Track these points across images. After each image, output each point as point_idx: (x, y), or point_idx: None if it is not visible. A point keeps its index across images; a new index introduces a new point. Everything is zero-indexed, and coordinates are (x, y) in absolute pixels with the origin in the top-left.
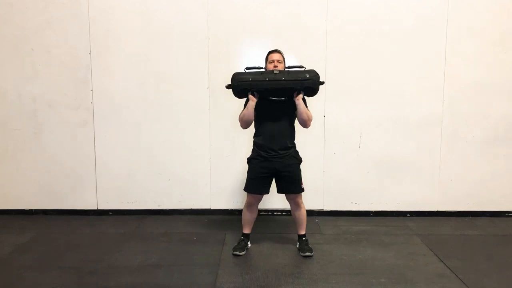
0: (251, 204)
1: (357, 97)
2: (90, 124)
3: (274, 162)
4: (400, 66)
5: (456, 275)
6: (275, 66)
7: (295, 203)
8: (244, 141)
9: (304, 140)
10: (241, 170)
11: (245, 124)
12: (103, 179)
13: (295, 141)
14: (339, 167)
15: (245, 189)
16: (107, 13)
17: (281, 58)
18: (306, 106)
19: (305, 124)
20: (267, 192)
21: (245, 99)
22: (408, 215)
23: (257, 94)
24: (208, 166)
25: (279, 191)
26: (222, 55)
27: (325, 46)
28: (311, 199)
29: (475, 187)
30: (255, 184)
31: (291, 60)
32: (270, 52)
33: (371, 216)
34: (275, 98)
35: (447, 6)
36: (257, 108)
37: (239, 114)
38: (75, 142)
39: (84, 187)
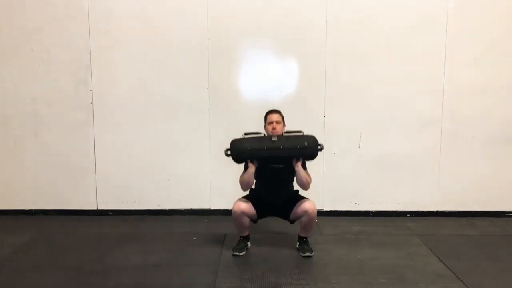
0: (238, 213)
1: (357, 97)
2: (90, 124)
3: (272, 204)
4: (400, 66)
5: (456, 275)
6: (273, 128)
7: (310, 212)
8: None
9: None
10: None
11: (245, 187)
12: (103, 179)
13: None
14: (339, 167)
15: (237, 200)
16: (107, 13)
17: (280, 119)
18: (306, 168)
19: (304, 187)
20: (259, 216)
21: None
22: (408, 215)
23: (256, 161)
24: (208, 166)
25: (290, 216)
26: (222, 55)
27: (325, 46)
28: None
29: (475, 187)
30: (249, 199)
31: (291, 60)
32: (268, 113)
33: (371, 216)
34: (274, 165)
35: (447, 6)
36: (256, 172)
37: (239, 177)
38: (75, 142)
39: (84, 187)
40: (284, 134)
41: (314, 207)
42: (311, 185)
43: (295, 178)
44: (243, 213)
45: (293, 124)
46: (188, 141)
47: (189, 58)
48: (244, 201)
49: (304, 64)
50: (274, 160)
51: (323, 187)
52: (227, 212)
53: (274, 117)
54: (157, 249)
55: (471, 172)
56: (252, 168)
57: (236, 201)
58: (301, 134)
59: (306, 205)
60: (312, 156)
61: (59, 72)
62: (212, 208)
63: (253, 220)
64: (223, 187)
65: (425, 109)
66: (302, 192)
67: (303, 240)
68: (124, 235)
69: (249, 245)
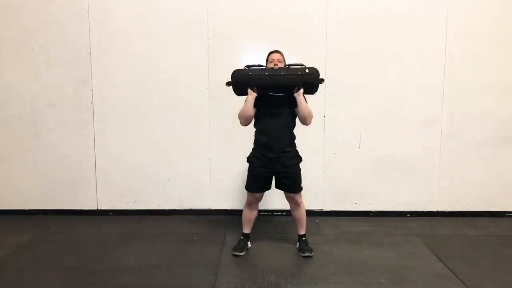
0: (251, 202)
1: (357, 97)
2: (90, 124)
3: (274, 162)
4: (400, 66)
5: (456, 275)
6: (275, 65)
7: (295, 203)
8: (244, 141)
9: (304, 140)
10: (241, 170)
11: (244, 120)
12: (103, 179)
13: (296, 141)
14: (339, 167)
15: (246, 188)
16: (107, 13)
17: (281, 58)
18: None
19: (305, 120)
20: (269, 188)
21: (245, 97)
22: (408, 215)
23: (257, 90)
24: (208, 166)
25: (277, 187)
26: (222, 55)
27: (325, 46)
28: (311, 199)
29: (475, 187)
30: (256, 183)
31: (291, 60)
32: (270, 53)
33: (371, 216)
34: (274, 94)
35: (447, 7)
36: (257, 104)
37: (238, 112)
38: (75, 142)
39: (84, 187)
40: (285, 67)
41: (299, 199)
42: (311, 184)
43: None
44: (255, 202)
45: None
46: (188, 141)
47: (189, 58)
48: (254, 193)
49: (304, 64)
50: (274, 88)
51: (323, 187)
52: (227, 212)
53: (276, 55)
54: (157, 249)
55: (471, 172)
56: (252, 96)
57: (247, 193)
58: (302, 66)
59: (290, 195)
60: (313, 85)
61: (59, 72)
62: (212, 208)
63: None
64: (223, 187)
65: (425, 109)
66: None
67: (302, 240)
68: (124, 235)
69: (249, 245)
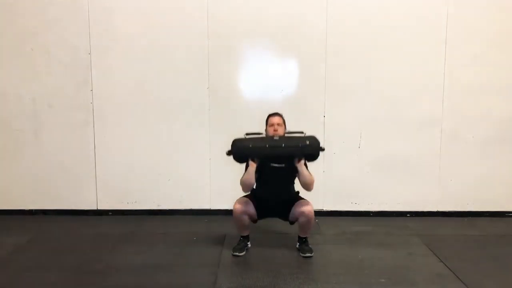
0: (239, 212)
1: (357, 97)
2: (90, 124)
3: (272, 206)
4: (400, 66)
5: (456, 275)
6: (275, 130)
7: (307, 214)
8: None
9: None
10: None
11: (246, 188)
12: (103, 179)
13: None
14: (339, 167)
15: (238, 198)
16: (107, 13)
17: (281, 121)
18: (307, 168)
19: (307, 187)
20: (259, 217)
21: (245, 164)
22: (408, 215)
23: (257, 160)
24: (208, 166)
25: (289, 217)
26: (222, 55)
27: (325, 46)
28: (311, 199)
29: (475, 187)
30: (250, 198)
31: (291, 60)
32: (270, 116)
33: (371, 216)
34: (275, 164)
35: (447, 6)
36: (258, 172)
37: (240, 178)
38: (75, 142)
39: (84, 187)
40: (285, 135)
41: (311, 209)
42: None
43: (296, 180)
44: (244, 212)
45: (293, 124)
46: (188, 141)
47: (189, 58)
48: (245, 201)
49: (304, 64)
50: (275, 159)
51: (323, 187)
52: (227, 212)
53: (276, 119)
54: (157, 249)
55: (471, 172)
56: (253, 167)
57: (236, 201)
58: (302, 135)
59: (303, 207)
60: (314, 156)
61: (59, 72)
62: (212, 208)
63: (253, 220)
64: (223, 187)
65: (425, 109)
66: (304, 194)
67: (303, 241)
68: (124, 235)
69: (249, 245)
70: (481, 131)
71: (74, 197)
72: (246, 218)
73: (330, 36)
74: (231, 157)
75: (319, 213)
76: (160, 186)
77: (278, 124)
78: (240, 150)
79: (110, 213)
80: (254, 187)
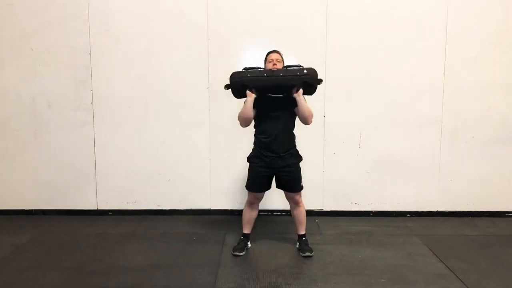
0: (252, 202)
1: (357, 97)
2: (90, 124)
3: (274, 162)
4: (400, 66)
5: (456, 275)
6: (274, 65)
7: (294, 202)
8: (244, 141)
9: (304, 140)
10: (241, 170)
11: (244, 122)
12: (103, 179)
13: (296, 141)
14: (339, 167)
15: (246, 187)
16: (107, 13)
17: (279, 58)
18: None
19: (306, 120)
20: (269, 188)
21: (244, 99)
22: (408, 215)
23: (256, 91)
24: (208, 166)
25: (278, 186)
26: (222, 55)
27: (325, 46)
28: (311, 199)
29: (475, 187)
30: (256, 183)
31: (290, 60)
32: (269, 53)
33: (371, 216)
34: (273, 95)
35: (447, 6)
36: (256, 106)
37: (238, 113)
38: (75, 142)
39: (84, 187)
40: (284, 68)
41: (298, 198)
42: (311, 184)
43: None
44: (256, 202)
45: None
46: (188, 141)
47: (189, 58)
48: (255, 193)
49: (304, 64)
50: (273, 88)
51: (323, 187)
52: (227, 212)
53: (274, 55)
54: (157, 249)
55: (471, 172)
56: (250, 97)
57: (248, 193)
58: (301, 67)
59: (290, 195)
60: (311, 86)
61: (59, 72)
62: (212, 208)
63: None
64: (223, 187)
65: (425, 109)
66: (303, 150)
67: (302, 240)
68: (124, 235)
69: (249, 245)
70: (481, 131)
71: (74, 197)
72: (255, 212)
73: (330, 36)
74: (230, 156)
75: (319, 213)
76: (160, 186)
77: (276, 60)
78: (238, 81)
79: (110, 213)
80: (254, 134)
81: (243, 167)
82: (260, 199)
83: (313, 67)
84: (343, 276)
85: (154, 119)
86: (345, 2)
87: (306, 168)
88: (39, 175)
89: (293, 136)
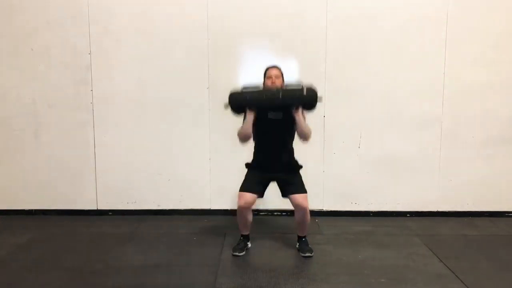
0: (243, 207)
1: (357, 97)
2: (90, 124)
3: (273, 176)
4: (400, 66)
5: (456, 275)
6: (272, 82)
7: (302, 208)
8: None
9: None
10: (241, 170)
11: (243, 139)
12: (103, 179)
13: (295, 150)
14: (339, 167)
15: (240, 189)
16: (107, 13)
17: (279, 74)
18: (305, 120)
19: (305, 137)
20: (262, 196)
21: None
22: (408, 215)
23: (255, 109)
24: (208, 166)
25: (284, 195)
26: (222, 55)
27: (325, 45)
28: (311, 199)
29: (475, 187)
30: (250, 184)
31: (290, 60)
32: (268, 68)
33: (371, 216)
34: (273, 117)
35: (447, 6)
36: (256, 125)
37: (238, 130)
38: (75, 142)
39: (84, 187)
40: (283, 88)
41: (306, 203)
42: (311, 184)
43: (295, 144)
44: (248, 208)
45: None
46: (188, 141)
47: (189, 58)
48: (248, 193)
49: (304, 64)
50: (272, 109)
51: (323, 187)
52: (227, 212)
53: (274, 72)
54: (157, 249)
55: (471, 172)
56: (250, 116)
57: (240, 194)
58: (300, 86)
59: (298, 199)
60: (312, 106)
61: (59, 72)
62: (212, 208)
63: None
64: (223, 187)
65: (425, 109)
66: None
67: (302, 240)
68: (124, 235)
69: (249, 245)
70: (481, 131)
71: (74, 197)
72: (250, 215)
73: (330, 36)
74: (230, 157)
75: (319, 213)
76: (160, 186)
77: (276, 77)
78: (237, 101)
79: (110, 213)
80: (253, 147)
81: (243, 167)
82: (250, 203)
83: (312, 87)
84: (343, 276)
85: (154, 119)
86: (345, 2)
87: (306, 168)
88: (39, 175)
89: (292, 151)
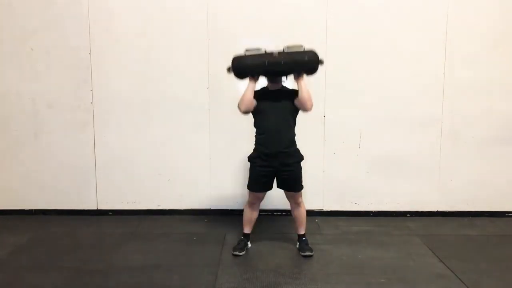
0: (253, 202)
1: (357, 97)
2: (90, 124)
3: (275, 161)
4: (400, 66)
5: (456, 275)
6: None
7: (295, 202)
8: (244, 141)
9: (304, 140)
10: (241, 170)
11: (244, 105)
12: (103, 179)
13: (296, 139)
14: (339, 167)
15: (248, 187)
16: (107, 13)
17: None
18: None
19: (305, 103)
20: (270, 189)
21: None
22: (408, 215)
23: (257, 76)
24: (208, 166)
25: (278, 186)
26: (222, 55)
27: (325, 45)
28: (311, 199)
29: (475, 187)
30: (258, 183)
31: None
32: None
33: (371, 216)
34: (273, 88)
35: (447, 6)
36: (256, 101)
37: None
38: (75, 142)
39: (84, 187)
40: (284, 50)
41: (299, 199)
42: (311, 184)
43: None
44: (257, 202)
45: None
46: (188, 141)
47: (189, 58)
48: (256, 192)
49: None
50: (275, 74)
51: (323, 187)
52: (227, 212)
53: None
54: (157, 249)
55: (471, 172)
56: (252, 83)
57: (249, 192)
58: (301, 48)
59: (293, 195)
60: (313, 69)
61: (59, 72)
62: (212, 208)
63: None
64: (223, 187)
65: (425, 109)
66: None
67: (302, 240)
68: (124, 235)
69: (249, 245)
70: (481, 131)
71: (74, 197)
72: (256, 212)
73: (330, 36)
74: (230, 157)
75: (319, 213)
76: (160, 186)
77: None
78: (240, 69)
79: (110, 213)
80: (255, 131)
81: (243, 167)
82: (261, 199)
83: (313, 50)
84: (343, 276)
85: (154, 119)
86: (345, 2)
87: (306, 168)
88: (39, 175)
89: (293, 133)
